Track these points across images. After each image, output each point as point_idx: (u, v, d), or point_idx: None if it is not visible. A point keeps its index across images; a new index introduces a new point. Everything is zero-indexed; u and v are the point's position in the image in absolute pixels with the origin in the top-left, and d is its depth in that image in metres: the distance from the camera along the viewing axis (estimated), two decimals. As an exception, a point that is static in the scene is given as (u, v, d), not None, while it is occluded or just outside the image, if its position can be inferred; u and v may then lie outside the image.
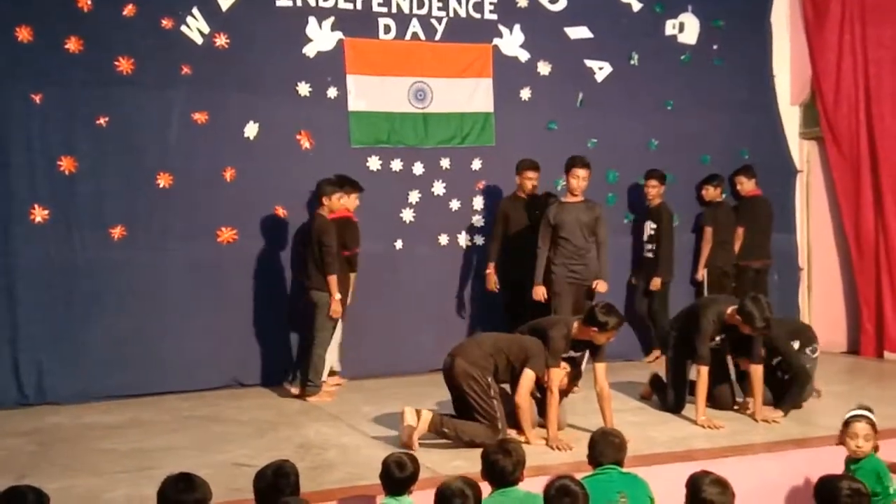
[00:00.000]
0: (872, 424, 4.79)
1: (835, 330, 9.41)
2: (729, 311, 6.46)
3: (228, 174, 7.97)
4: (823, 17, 9.54)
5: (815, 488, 4.14)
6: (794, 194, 10.01)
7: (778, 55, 9.95)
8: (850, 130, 9.38)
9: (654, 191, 9.06)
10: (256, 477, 4.04)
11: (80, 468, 5.54)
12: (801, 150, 10.04)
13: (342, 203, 7.61)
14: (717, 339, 6.58)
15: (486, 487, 4.24)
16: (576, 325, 6.11)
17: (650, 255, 9.05)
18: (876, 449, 4.79)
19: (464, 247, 8.77)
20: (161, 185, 7.76)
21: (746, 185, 9.38)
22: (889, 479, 4.67)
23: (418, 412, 5.80)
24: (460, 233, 8.74)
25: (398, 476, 4.19)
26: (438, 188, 8.69)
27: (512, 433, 5.93)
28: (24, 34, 7.32)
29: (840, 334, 9.59)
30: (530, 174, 8.23)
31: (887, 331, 9.13)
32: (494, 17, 8.86)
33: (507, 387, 6.20)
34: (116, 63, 7.59)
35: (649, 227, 9.06)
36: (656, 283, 8.90)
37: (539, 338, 6.07)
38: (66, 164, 7.47)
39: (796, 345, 6.88)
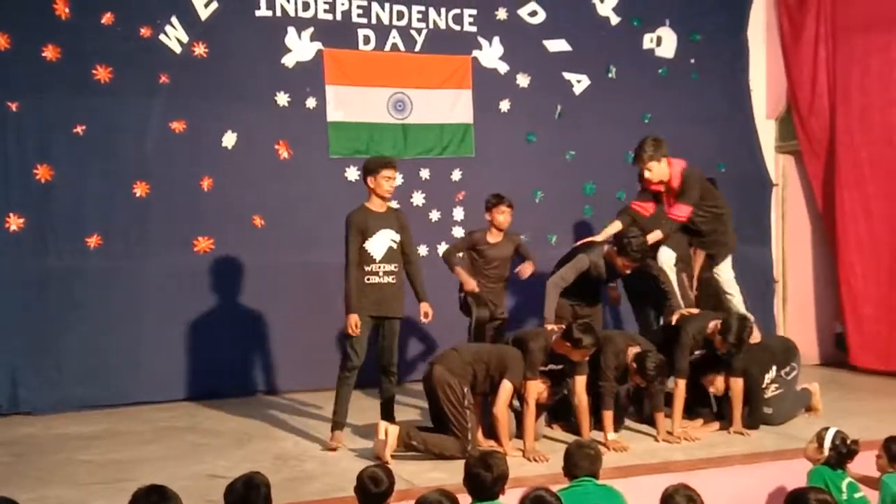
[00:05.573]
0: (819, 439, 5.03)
1: (809, 342, 9.46)
2: (711, 326, 6.50)
3: (206, 183, 7.95)
4: (799, 31, 9.61)
5: (784, 502, 4.18)
6: (770, 207, 10.07)
7: (754, 69, 10.03)
8: (825, 144, 9.45)
9: None
10: (227, 490, 4.01)
11: (54, 479, 5.48)
12: (777, 164, 10.11)
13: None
14: (697, 353, 6.60)
15: (466, 498, 4.25)
16: (555, 338, 6.12)
17: None
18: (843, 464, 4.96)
19: (443, 257, 8.76)
20: (138, 195, 7.73)
21: None
22: (837, 489, 4.76)
23: (388, 427, 5.79)
24: (440, 243, 8.70)
25: (373, 491, 4.17)
26: (418, 199, 8.70)
27: (489, 444, 5.94)
28: (0, 42, 7.28)
29: (814, 347, 9.65)
30: None
31: (853, 344, 9.18)
32: (474, 29, 8.89)
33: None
34: (94, 71, 7.57)
35: None
36: None
37: (520, 349, 6.07)
38: (42, 173, 7.43)
39: (773, 370, 6.89)
